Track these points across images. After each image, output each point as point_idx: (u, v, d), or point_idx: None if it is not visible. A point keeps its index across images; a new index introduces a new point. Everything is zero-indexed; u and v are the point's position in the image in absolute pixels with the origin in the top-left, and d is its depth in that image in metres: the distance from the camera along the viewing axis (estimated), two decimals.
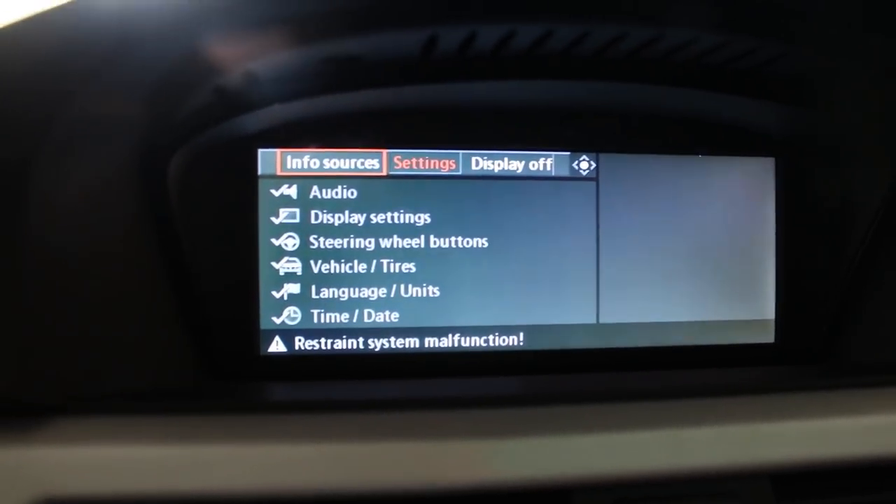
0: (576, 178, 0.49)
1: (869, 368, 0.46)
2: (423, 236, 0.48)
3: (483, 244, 0.48)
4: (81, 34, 0.32)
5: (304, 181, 0.47)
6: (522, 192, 0.49)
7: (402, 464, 0.33)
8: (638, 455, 0.34)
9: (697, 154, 0.51)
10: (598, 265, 0.49)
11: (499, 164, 0.49)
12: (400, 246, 0.47)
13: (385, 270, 0.47)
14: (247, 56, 0.37)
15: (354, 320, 0.47)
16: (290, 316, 0.46)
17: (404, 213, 0.48)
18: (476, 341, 0.48)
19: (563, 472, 0.33)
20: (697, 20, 0.39)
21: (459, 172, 0.48)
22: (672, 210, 0.50)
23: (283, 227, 0.46)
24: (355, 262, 0.47)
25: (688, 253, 0.50)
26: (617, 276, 0.49)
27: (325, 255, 0.47)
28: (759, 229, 0.51)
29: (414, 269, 0.48)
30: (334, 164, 0.47)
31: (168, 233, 0.42)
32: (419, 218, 0.48)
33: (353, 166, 0.47)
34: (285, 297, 0.46)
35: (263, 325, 0.46)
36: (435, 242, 0.48)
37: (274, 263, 0.46)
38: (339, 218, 0.47)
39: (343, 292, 0.47)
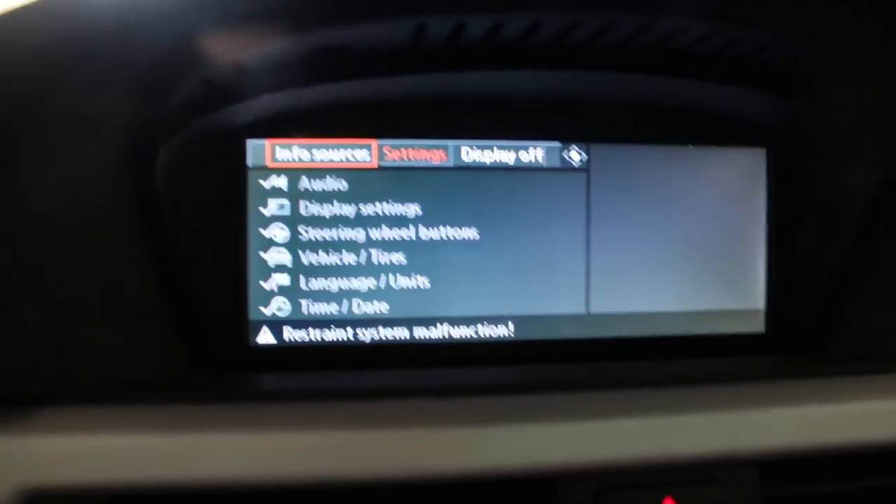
0: (566, 168, 0.49)
1: (858, 358, 0.46)
2: (413, 227, 0.48)
3: (473, 235, 0.48)
4: (66, 26, 0.32)
5: (293, 172, 0.47)
6: (513, 183, 0.49)
7: (389, 452, 0.33)
8: (624, 442, 0.34)
9: (688, 145, 0.51)
10: (588, 256, 0.49)
11: (489, 155, 0.49)
12: (390, 237, 0.47)
13: (375, 261, 0.47)
14: (234, 47, 0.37)
15: (344, 311, 0.47)
16: (280, 307, 0.46)
17: (394, 203, 0.47)
18: (466, 331, 0.48)
19: (550, 460, 0.33)
20: (687, 8, 0.39)
21: (450, 163, 0.48)
22: (663, 201, 0.50)
23: (273, 219, 0.46)
24: (345, 252, 0.47)
25: (678, 243, 0.50)
26: (607, 267, 0.49)
27: (315, 246, 0.47)
28: (750, 220, 0.51)
29: (404, 260, 0.48)
30: (324, 155, 0.47)
31: (157, 224, 0.42)
32: (409, 209, 0.48)
33: (343, 157, 0.47)
34: (274, 288, 0.46)
35: (252, 316, 0.46)
36: (425, 233, 0.48)
37: (263, 254, 0.46)
38: (329, 209, 0.47)
39: (333, 283, 0.47)
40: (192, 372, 0.43)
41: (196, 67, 0.38)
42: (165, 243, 0.42)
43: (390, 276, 0.47)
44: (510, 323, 0.49)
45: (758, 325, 0.51)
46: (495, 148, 0.49)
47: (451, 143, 0.48)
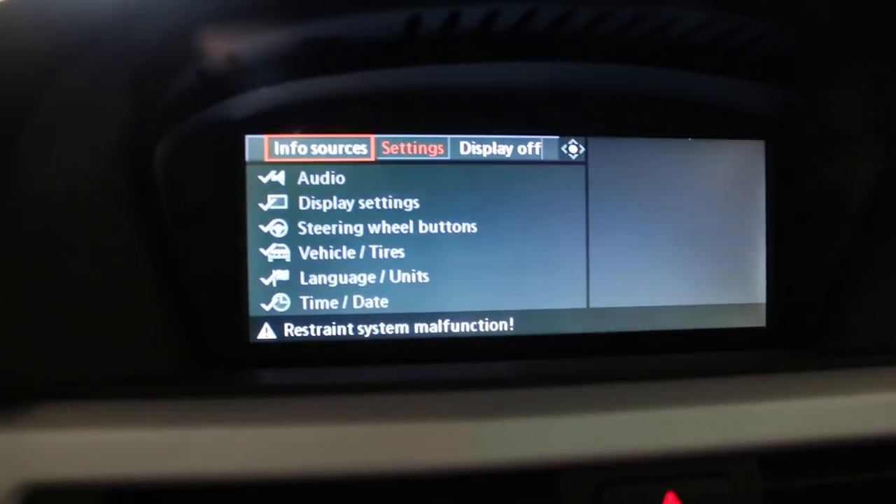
0: (565, 162, 0.49)
1: (859, 351, 0.46)
2: (411, 222, 0.47)
3: (472, 229, 0.48)
4: (63, 17, 0.32)
5: (291, 167, 0.46)
6: (511, 177, 0.49)
7: (390, 445, 0.33)
8: (626, 436, 0.34)
9: (687, 137, 0.51)
10: (587, 249, 0.49)
11: (487, 149, 0.48)
12: (389, 232, 0.47)
13: (374, 256, 0.47)
14: (228, 38, 0.36)
15: (344, 307, 0.47)
16: (279, 303, 0.46)
17: (393, 198, 0.47)
18: (466, 327, 0.48)
19: (551, 453, 0.33)
20: None
21: (448, 157, 0.48)
22: (662, 193, 0.50)
23: (272, 214, 0.46)
24: (344, 248, 0.47)
25: (678, 237, 0.50)
26: (607, 261, 0.49)
27: (314, 241, 0.47)
28: (750, 213, 0.51)
29: (403, 255, 0.47)
30: (322, 149, 0.47)
31: (155, 219, 0.42)
32: (408, 203, 0.47)
33: (341, 152, 0.47)
34: (274, 284, 0.46)
35: (252, 313, 0.46)
36: (424, 228, 0.48)
37: (262, 250, 0.46)
38: (328, 204, 0.47)
39: (332, 279, 0.47)
40: (193, 368, 0.42)
41: (191, 59, 0.38)
42: (164, 239, 0.42)
43: (389, 270, 0.47)
44: (510, 318, 0.48)
45: (759, 319, 0.51)
46: (493, 141, 0.48)
47: (449, 137, 0.48)
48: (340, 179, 0.47)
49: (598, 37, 0.43)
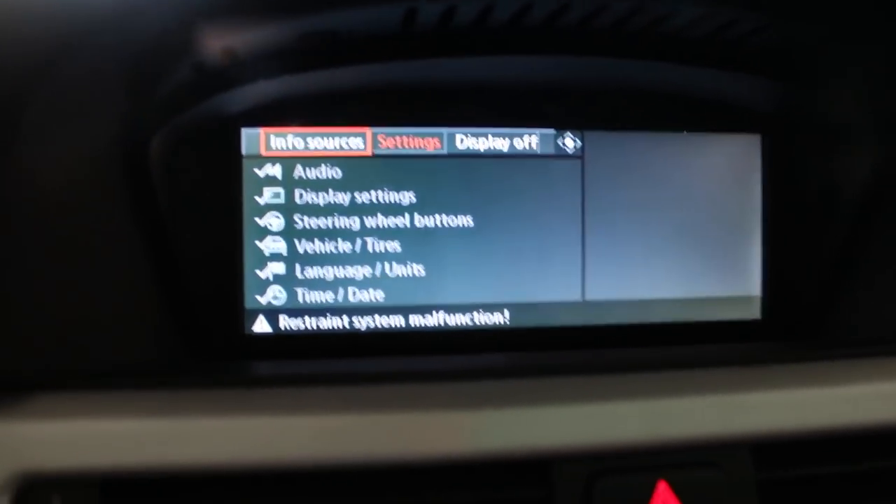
0: (561, 155, 0.49)
1: (853, 344, 0.46)
2: (408, 215, 0.48)
3: (468, 222, 0.48)
4: (58, 10, 0.32)
5: (288, 161, 0.47)
6: (508, 171, 0.49)
7: (384, 434, 0.33)
8: (618, 425, 0.34)
9: (684, 131, 0.51)
10: (583, 242, 0.49)
11: (484, 143, 0.49)
12: (385, 225, 0.47)
13: (370, 249, 0.47)
14: (225, 32, 0.37)
15: (339, 299, 0.47)
16: (275, 295, 0.47)
17: (389, 191, 0.47)
18: (461, 319, 0.48)
19: (543, 443, 0.33)
20: None
21: (444, 151, 0.48)
22: (658, 187, 0.50)
23: (268, 207, 0.46)
24: (340, 241, 0.47)
25: (674, 230, 0.50)
26: (602, 254, 0.49)
27: (310, 234, 0.47)
28: (746, 206, 0.51)
29: (399, 248, 0.48)
30: (318, 143, 0.47)
31: (151, 212, 0.42)
32: (404, 197, 0.48)
33: (337, 145, 0.47)
34: (270, 277, 0.46)
35: (248, 305, 0.46)
36: (420, 221, 0.48)
37: (258, 243, 0.46)
38: (324, 197, 0.47)
39: (328, 271, 0.47)
40: (188, 360, 0.43)
41: (188, 52, 0.38)
42: (160, 231, 0.42)
43: (385, 264, 0.47)
44: (506, 310, 0.49)
45: (754, 312, 0.51)
46: (490, 135, 0.49)
47: (445, 130, 0.48)
48: (337, 173, 0.47)
49: (595, 30, 0.43)
